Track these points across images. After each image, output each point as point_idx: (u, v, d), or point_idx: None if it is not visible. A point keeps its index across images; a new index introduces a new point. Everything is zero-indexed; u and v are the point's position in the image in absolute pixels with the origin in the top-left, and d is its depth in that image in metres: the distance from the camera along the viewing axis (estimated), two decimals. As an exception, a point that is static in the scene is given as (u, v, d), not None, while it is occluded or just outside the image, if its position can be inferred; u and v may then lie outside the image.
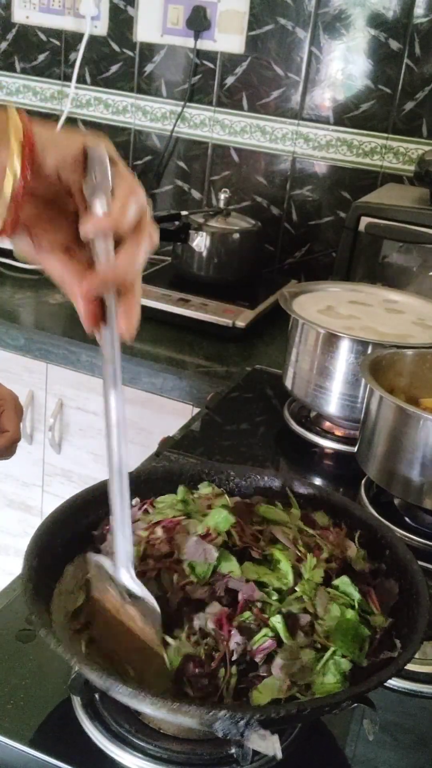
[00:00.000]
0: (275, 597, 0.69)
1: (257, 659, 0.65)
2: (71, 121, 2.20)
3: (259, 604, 0.68)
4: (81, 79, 2.15)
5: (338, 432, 1.28)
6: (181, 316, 1.73)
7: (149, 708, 0.61)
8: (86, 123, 2.20)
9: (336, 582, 0.73)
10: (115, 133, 2.17)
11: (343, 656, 0.66)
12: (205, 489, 0.85)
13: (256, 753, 0.65)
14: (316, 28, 1.88)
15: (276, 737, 0.59)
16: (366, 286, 1.44)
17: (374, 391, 1.04)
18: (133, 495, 0.83)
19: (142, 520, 0.78)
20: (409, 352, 1.14)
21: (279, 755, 0.59)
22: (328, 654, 0.66)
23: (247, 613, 0.67)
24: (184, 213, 1.84)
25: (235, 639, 0.66)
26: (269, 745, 0.59)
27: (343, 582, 0.72)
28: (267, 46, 1.94)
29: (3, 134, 0.56)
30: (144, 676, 0.63)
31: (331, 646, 0.66)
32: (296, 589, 0.70)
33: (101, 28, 2.10)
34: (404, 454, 1.02)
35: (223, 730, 0.58)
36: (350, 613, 0.69)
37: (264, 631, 0.66)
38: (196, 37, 1.98)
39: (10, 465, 1.82)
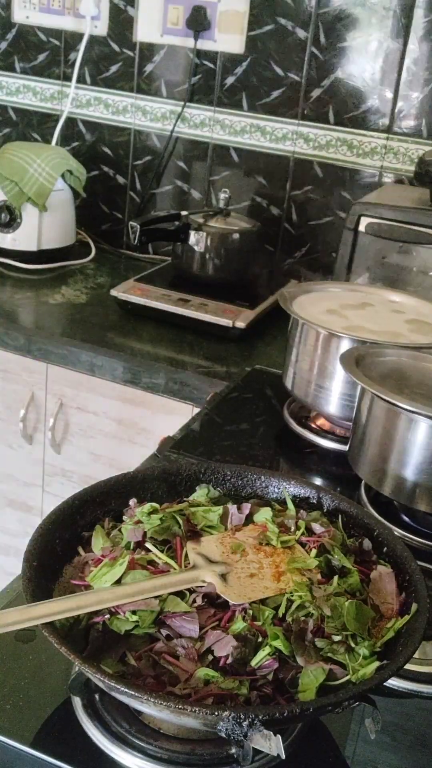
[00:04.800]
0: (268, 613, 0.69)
1: (268, 676, 0.65)
2: (71, 121, 2.20)
3: (250, 612, 0.68)
4: (81, 79, 2.15)
5: (338, 432, 1.28)
6: (181, 316, 1.73)
7: (153, 709, 0.61)
8: (86, 123, 2.20)
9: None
10: (115, 133, 2.17)
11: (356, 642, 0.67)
12: (201, 490, 0.85)
13: (256, 753, 0.65)
14: (316, 28, 1.88)
15: (279, 737, 0.59)
16: (366, 286, 1.44)
17: (366, 390, 1.04)
18: (130, 495, 0.83)
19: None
20: (391, 350, 1.14)
21: (282, 755, 0.59)
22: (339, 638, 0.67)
23: (241, 623, 0.67)
24: (184, 213, 1.84)
25: (231, 643, 0.66)
26: (272, 745, 0.59)
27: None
28: (267, 46, 1.94)
29: None
30: None
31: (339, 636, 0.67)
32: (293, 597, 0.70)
33: (101, 28, 2.10)
34: (396, 454, 1.02)
35: (226, 731, 0.58)
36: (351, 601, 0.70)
37: (267, 650, 0.66)
38: (196, 37, 1.98)
39: (10, 465, 1.83)
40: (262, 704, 0.63)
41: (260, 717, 0.58)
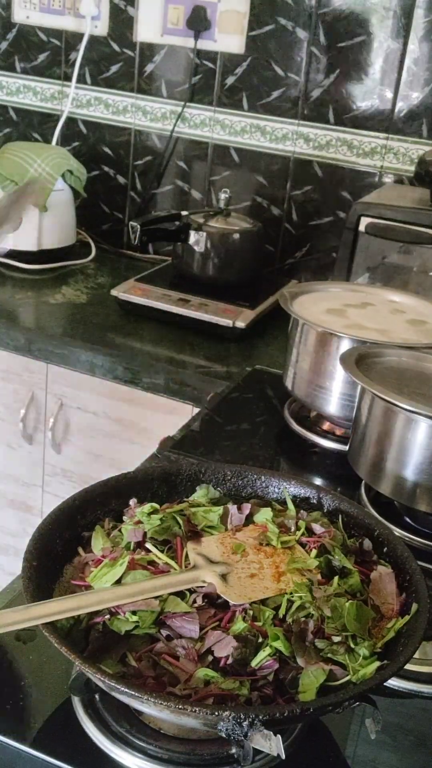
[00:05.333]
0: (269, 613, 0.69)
1: (268, 676, 0.65)
2: (71, 121, 2.20)
3: (251, 612, 0.68)
4: (81, 79, 2.15)
5: (338, 432, 1.28)
6: (182, 316, 1.73)
7: (153, 709, 0.61)
8: (86, 123, 2.20)
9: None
10: (115, 133, 2.17)
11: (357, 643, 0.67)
12: (202, 490, 0.85)
13: (257, 753, 0.65)
14: (316, 28, 1.88)
15: (279, 737, 0.59)
16: (366, 286, 1.44)
17: (366, 390, 1.04)
18: (130, 495, 0.83)
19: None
20: (391, 350, 1.14)
21: (282, 755, 0.59)
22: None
23: (241, 623, 0.67)
24: (184, 213, 1.84)
25: (231, 643, 0.66)
26: (272, 745, 0.59)
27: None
28: (267, 46, 1.94)
29: None
30: None
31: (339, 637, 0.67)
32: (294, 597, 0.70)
33: (101, 28, 2.09)
34: (396, 454, 1.02)
35: (226, 731, 0.58)
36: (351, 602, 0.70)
37: (267, 650, 0.66)
38: (197, 37, 1.98)
39: (10, 465, 1.83)
40: (262, 704, 0.63)
41: (260, 717, 0.58)
